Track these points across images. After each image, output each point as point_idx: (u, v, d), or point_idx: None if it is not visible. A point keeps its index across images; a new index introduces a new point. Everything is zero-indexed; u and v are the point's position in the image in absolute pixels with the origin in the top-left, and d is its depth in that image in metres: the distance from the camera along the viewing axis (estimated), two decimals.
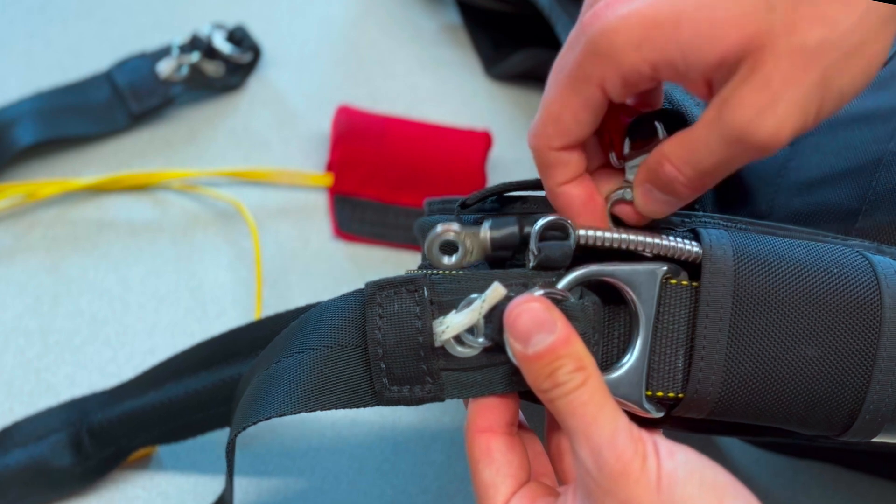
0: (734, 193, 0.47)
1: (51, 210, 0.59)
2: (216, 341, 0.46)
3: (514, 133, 0.67)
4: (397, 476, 0.51)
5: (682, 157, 0.33)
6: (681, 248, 0.35)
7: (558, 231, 0.35)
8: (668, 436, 0.35)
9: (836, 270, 0.35)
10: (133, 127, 0.63)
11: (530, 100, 0.69)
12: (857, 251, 0.37)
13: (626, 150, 0.36)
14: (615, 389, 0.35)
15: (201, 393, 0.45)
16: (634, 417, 0.35)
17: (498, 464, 0.35)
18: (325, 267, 0.59)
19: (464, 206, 0.39)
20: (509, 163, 0.65)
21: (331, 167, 0.62)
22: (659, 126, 0.35)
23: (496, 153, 0.64)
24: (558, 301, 0.34)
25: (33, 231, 0.58)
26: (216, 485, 0.50)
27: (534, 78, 0.69)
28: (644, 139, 0.36)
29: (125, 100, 0.63)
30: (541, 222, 0.34)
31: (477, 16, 0.72)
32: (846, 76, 0.31)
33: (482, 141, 0.62)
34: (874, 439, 0.37)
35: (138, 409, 0.47)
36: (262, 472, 0.51)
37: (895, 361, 0.35)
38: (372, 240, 0.61)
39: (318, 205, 0.62)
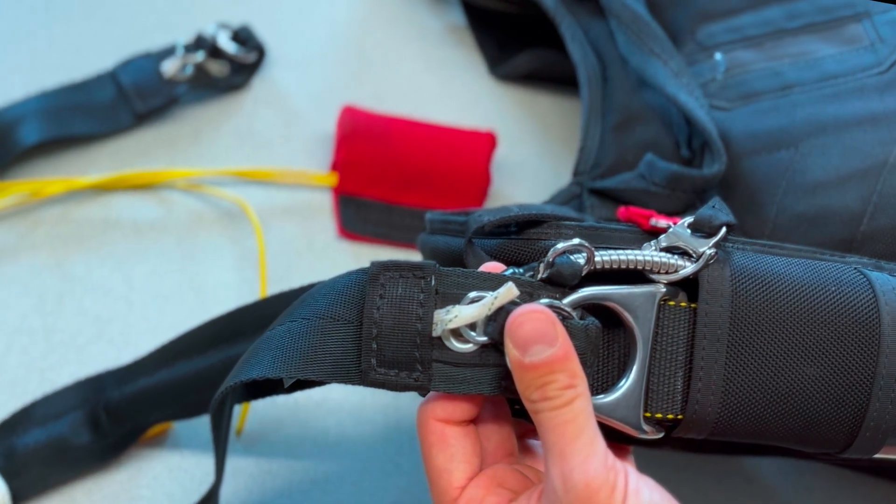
0: (740, 196, 0.47)
1: (55, 209, 0.59)
2: (223, 319, 0.47)
3: (519, 133, 0.67)
4: (401, 476, 0.51)
5: None
6: (679, 265, 0.35)
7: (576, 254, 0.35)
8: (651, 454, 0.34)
9: (834, 289, 0.35)
10: (137, 126, 0.63)
11: (535, 100, 0.69)
12: (855, 268, 0.37)
13: None
14: (612, 412, 0.35)
15: (209, 371, 0.46)
16: (633, 437, 0.35)
17: (453, 450, 0.35)
18: (330, 266, 0.59)
19: (481, 231, 0.38)
20: (514, 163, 0.65)
21: (335, 167, 0.62)
22: None
23: (501, 154, 0.64)
24: (563, 318, 0.33)
25: (37, 230, 0.58)
26: (232, 458, 0.50)
27: (539, 78, 0.69)
28: None
29: (130, 99, 0.63)
30: (563, 245, 0.34)
31: (482, 16, 0.72)
32: None
33: (487, 141, 0.62)
34: (875, 456, 0.37)
35: (151, 387, 0.48)
36: (266, 472, 0.51)
37: (894, 378, 0.35)
38: (376, 240, 0.61)
39: (323, 204, 0.62)
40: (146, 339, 0.54)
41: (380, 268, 0.34)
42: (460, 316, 0.33)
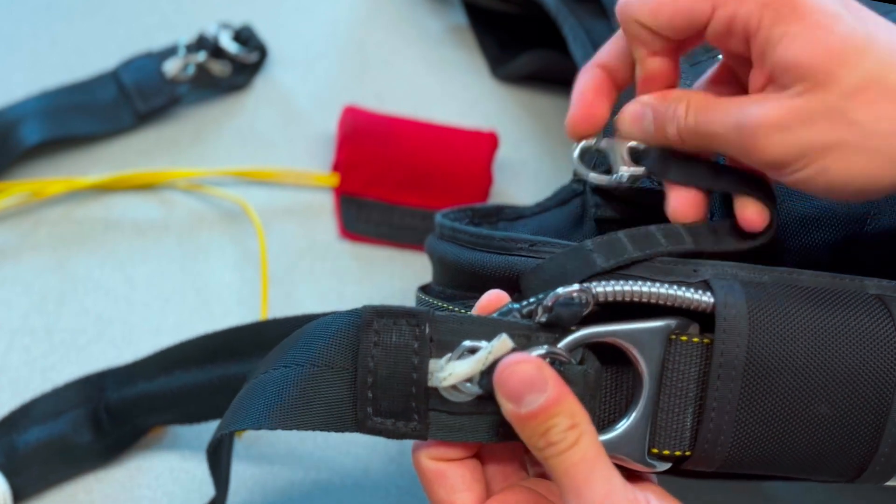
0: None
1: (57, 209, 0.59)
2: (221, 336, 0.47)
3: (521, 134, 0.67)
4: (403, 477, 0.51)
5: (701, 107, 0.35)
6: (695, 301, 0.34)
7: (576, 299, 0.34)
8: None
9: (854, 323, 0.34)
10: (139, 126, 0.63)
11: (536, 101, 0.69)
12: (876, 297, 0.35)
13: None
14: (616, 449, 0.34)
15: (206, 385, 0.46)
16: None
17: (452, 481, 0.34)
18: (331, 267, 0.59)
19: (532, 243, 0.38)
20: (515, 164, 0.65)
21: (337, 167, 0.62)
22: None
23: (502, 154, 0.64)
24: (560, 364, 0.33)
25: (39, 229, 0.58)
26: (233, 459, 0.50)
27: (540, 79, 0.69)
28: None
29: (131, 99, 0.63)
30: (562, 290, 0.33)
31: (483, 17, 0.72)
32: (854, 164, 0.33)
33: (488, 142, 0.62)
34: (886, 483, 0.36)
35: (150, 392, 0.48)
36: (267, 473, 0.51)
37: None
38: (377, 240, 0.61)
39: (324, 205, 0.62)
40: (147, 339, 0.54)
41: (373, 314, 0.33)
42: (454, 373, 0.32)
